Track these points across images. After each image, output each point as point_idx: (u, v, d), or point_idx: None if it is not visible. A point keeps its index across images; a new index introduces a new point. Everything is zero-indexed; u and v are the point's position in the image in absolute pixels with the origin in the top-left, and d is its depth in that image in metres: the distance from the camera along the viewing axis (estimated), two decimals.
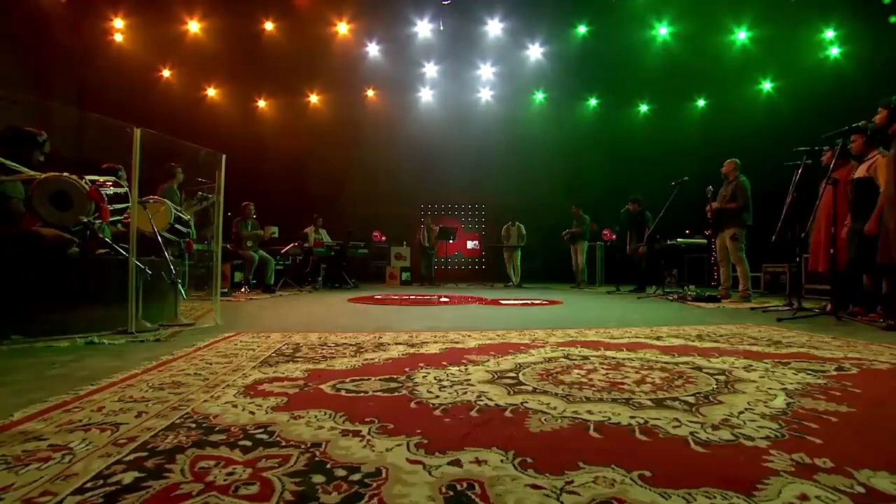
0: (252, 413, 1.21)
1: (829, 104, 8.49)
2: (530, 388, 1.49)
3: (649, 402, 1.33)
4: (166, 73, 10.84)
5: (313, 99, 11.83)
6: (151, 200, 3.40)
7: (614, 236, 10.65)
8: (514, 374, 1.70)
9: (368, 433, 1.07)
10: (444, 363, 1.90)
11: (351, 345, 2.35)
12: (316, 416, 1.19)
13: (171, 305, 3.25)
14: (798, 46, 9.66)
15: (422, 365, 1.86)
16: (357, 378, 1.64)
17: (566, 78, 11.38)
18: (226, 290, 6.53)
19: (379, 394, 1.43)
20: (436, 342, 2.45)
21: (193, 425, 1.10)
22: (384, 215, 11.89)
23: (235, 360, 1.94)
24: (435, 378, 1.64)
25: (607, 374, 1.71)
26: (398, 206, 11.99)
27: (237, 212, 7.36)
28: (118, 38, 10.27)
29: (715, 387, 1.50)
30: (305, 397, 1.39)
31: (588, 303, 5.55)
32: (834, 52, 9.41)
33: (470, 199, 12.52)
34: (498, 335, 2.70)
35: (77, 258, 2.72)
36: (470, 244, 12.45)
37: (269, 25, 10.42)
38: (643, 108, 12.08)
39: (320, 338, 2.59)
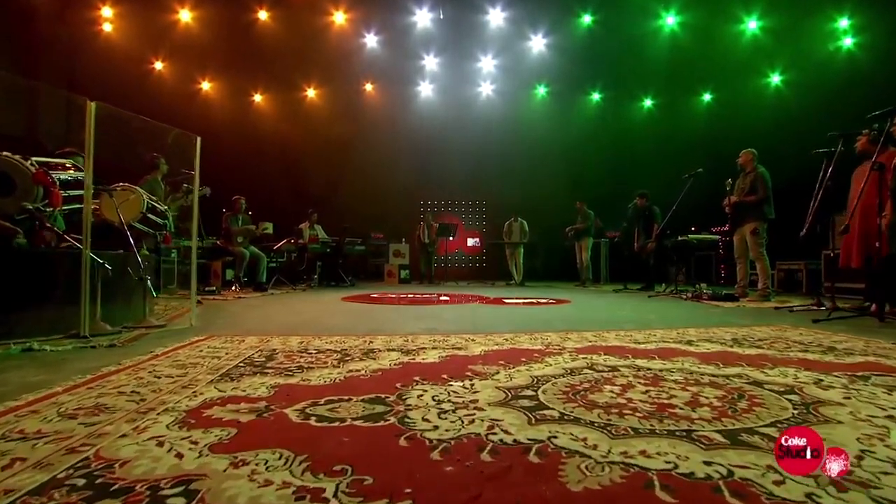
0: (179, 457, 0.87)
1: (841, 98, 8.17)
2: (556, 414, 1.16)
3: (719, 437, 0.99)
4: (158, 65, 10.48)
5: (310, 93, 11.50)
6: (119, 188, 3.06)
7: (617, 235, 10.33)
8: (533, 392, 1.37)
9: (335, 494, 0.74)
10: (445, 376, 1.56)
11: (335, 351, 2.02)
12: (266, 462, 0.85)
13: (141, 305, 2.92)
14: (809, 37, 9.30)
15: (417, 379, 1.52)
16: (335, 398, 1.30)
17: (569, 71, 11.01)
18: (214, 288, 6.21)
19: (359, 423, 1.09)
20: (434, 348, 2.11)
21: (82, 481, 0.76)
22: (382, 212, 11.58)
23: (192, 371, 1.61)
24: (433, 398, 1.30)
25: (648, 391, 1.38)
26: (397, 203, 11.68)
27: (228, 206, 7.03)
28: (107, 27, 9.91)
29: (794, 412, 1.17)
30: (261, 428, 1.06)
31: (597, 302, 5.22)
32: (847, 42, 9.05)
33: (470, 195, 12.20)
34: (505, 339, 2.36)
35: (25, 251, 2.38)
36: (470, 241, 12.12)
37: (262, 15, 10.06)
38: (647, 102, 11.75)
39: (302, 342, 2.25)
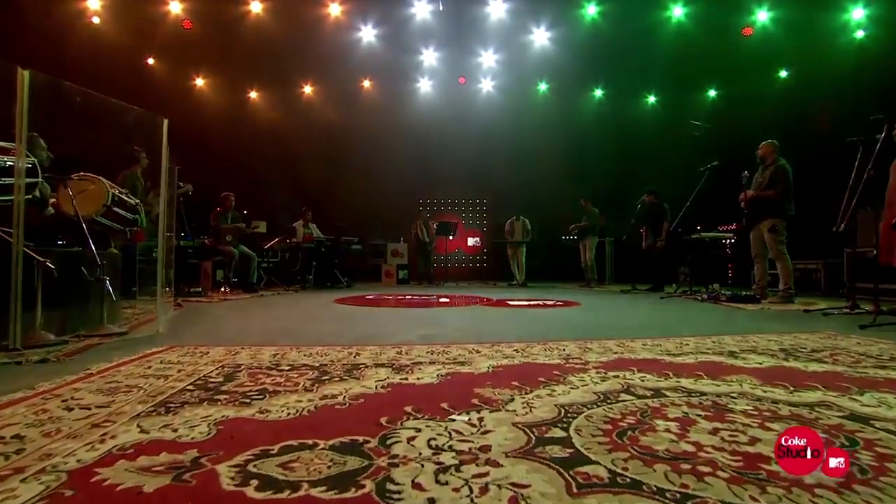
0: None
1: (854, 93, 7.87)
2: (604, 474, 0.81)
3: None
4: (150, 60, 10.06)
5: (307, 90, 11.17)
6: (76, 177, 2.71)
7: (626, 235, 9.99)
8: (563, 432, 1.02)
9: None
10: (444, 405, 1.21)
11: (312, 367, 1.67)
12: None
13: (98, 310, 2.56)
14: (820, 29, 8.96)
15: (408, 410, 1.17)
16: (295, 443, 0.95)
17: (572, 66, 10.65)
18: (200, 289, 5.88)
19: (318, 493, 0.74)
20: (432, 363, 1.76)
21: None
22: (380, 210, 11.28)
23: (121, 399, 1.26)
24: (428, 443, 0.95)
25: (717, 429, 1.03)
26: (395, 201, 11.36)
27: (218, 204, 6.69)
28: (95, 20, 9.52)
29: None
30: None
31: (608, 304, 4.88)
32: (860, 34, 8.70)
33: (471, 193, 11.88)
34: (516, 351, 2.01)
35: None
36: (471, 241, 11.79)
37: (256, 7, 9.68)
38: (651, 98, 11.43)
39: (276, 355, 1.90)
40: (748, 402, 1.24)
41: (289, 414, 1.15)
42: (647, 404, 1.23)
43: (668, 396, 1.31)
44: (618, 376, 1.55)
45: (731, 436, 0.99)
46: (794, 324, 3.13)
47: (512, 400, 1.27)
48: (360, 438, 0.98)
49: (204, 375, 1.54)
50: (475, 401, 1.27)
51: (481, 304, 4.75)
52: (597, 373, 1.60)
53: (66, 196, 2.64)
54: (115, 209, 3.10)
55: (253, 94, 11.19)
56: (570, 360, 1.81)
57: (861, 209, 4.01)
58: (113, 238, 3.42)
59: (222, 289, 6.37)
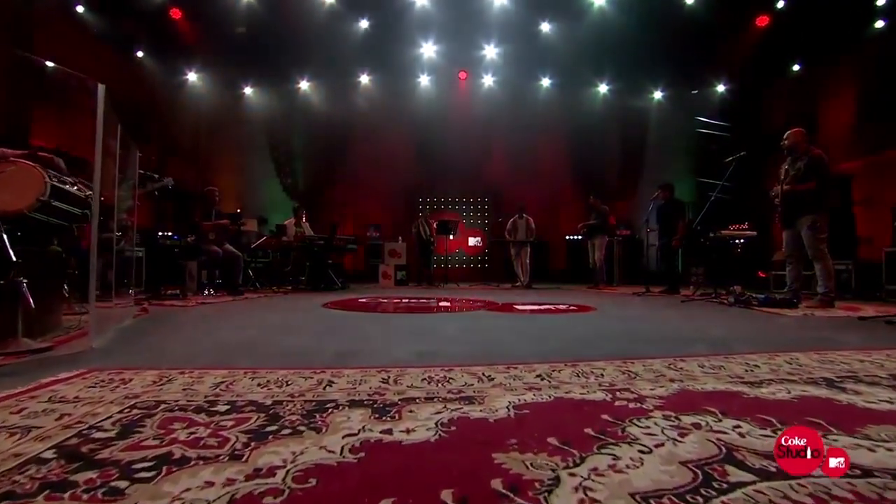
0: None
1: (873, 88, 7.42)
2: None
3: None
4: (140, 53, 9.52)
5: (303, 85, 10.74)
6: None
7: (626, 234, 9.54)
8: None
9: None
10: (447, 497, 0.72)
11: (262, 407, 1.17)
12: None
13: (12, 320, 2.06)
14: (836, 18, 8.46)
15: None
16: None
17: (577, 59, 10.18)
18: (178, 291, 5.39)
19: None
20: (429, 398, 1.27)
21: None
22: (378, 209, 10.86)
23: None
24: None
25: None
26: (394, 200, 10.95)
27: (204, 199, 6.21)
28: (79, 9, 9.01)
29: None
30: None
31: (627, 309, 4.38)
32: (880, 24, 8.21)
33: (471, 191, 11.40)
34: (540, 377, 1.51)
35: None
36: (472, 241, 11.32)
37: None
38: (657, 94, 11.00)
39: (220, 384, 1.40)
40: None
41: None
42: (786, 494, 0.74)
43: (815, 483, 0.81)
44: (699, 426, 1.05)
45: None
46: (863, 335, 2.64)
47: (556, 481, 0.77)
48: None
49: (91, 426, 1.04)
50: (496, 484, 0.77)
51: (486, 308, 4.24)
52: (664, 418, 1.11)
53: None
54: (56, 203, 2.60)
55: (248, 91, 10.75)
56: (618, 394, 1.31)
57: None
58: (58, 235, 2.93)
59: (206, 291, 5.90)
